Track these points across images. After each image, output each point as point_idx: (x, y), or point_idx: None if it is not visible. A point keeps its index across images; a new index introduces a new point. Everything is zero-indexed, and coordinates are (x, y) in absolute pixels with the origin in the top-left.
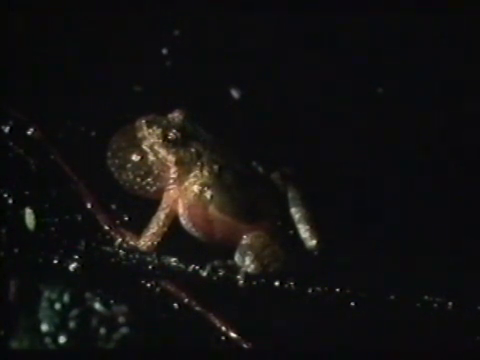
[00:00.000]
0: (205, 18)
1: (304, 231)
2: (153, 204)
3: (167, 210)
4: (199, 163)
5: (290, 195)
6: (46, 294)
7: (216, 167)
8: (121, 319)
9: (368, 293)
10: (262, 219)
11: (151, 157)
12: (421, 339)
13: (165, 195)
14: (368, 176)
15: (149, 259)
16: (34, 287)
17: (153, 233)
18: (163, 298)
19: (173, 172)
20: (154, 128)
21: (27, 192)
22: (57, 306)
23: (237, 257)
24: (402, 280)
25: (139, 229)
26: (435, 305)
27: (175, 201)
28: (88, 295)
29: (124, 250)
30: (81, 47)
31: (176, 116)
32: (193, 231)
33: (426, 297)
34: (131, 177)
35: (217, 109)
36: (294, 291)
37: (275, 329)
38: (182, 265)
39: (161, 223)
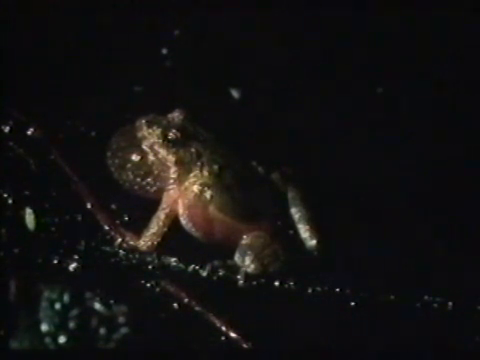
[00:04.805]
0: (205, 18)
1: (304, 231)
2: (153, 204)
3: (167, 210)
4: (199, 163)
5: (290, 195)
6: (46, 294)
7: (216, 167)
8: (121, 319)
9: (368, 293)
10: (262, 219)
11: (151, 157)
12: (421, 339)
13: (165, 195)
14: (368, 176)
15: (149, 259)
16: (34, 287)
17: (153, 233)
18: (163, 298)
19: (173, 172)
20: (154, 128)
21: (27, 192)
22: (57, 306)
23: (237, 257)
24: (402, 280)
25: (139, 229)
26: (435, 305)
27: (175, 201)
28: (88, 295)
29: (124, 250)
30: (81, 47)
31: (176, 116)
32: (193, 231)
33: (426, 297)
34: (131, 177)
35: (217, 109)
36: (294, 291)
37: (275, 329)
38: (182, 265)
39: (161, 223)
